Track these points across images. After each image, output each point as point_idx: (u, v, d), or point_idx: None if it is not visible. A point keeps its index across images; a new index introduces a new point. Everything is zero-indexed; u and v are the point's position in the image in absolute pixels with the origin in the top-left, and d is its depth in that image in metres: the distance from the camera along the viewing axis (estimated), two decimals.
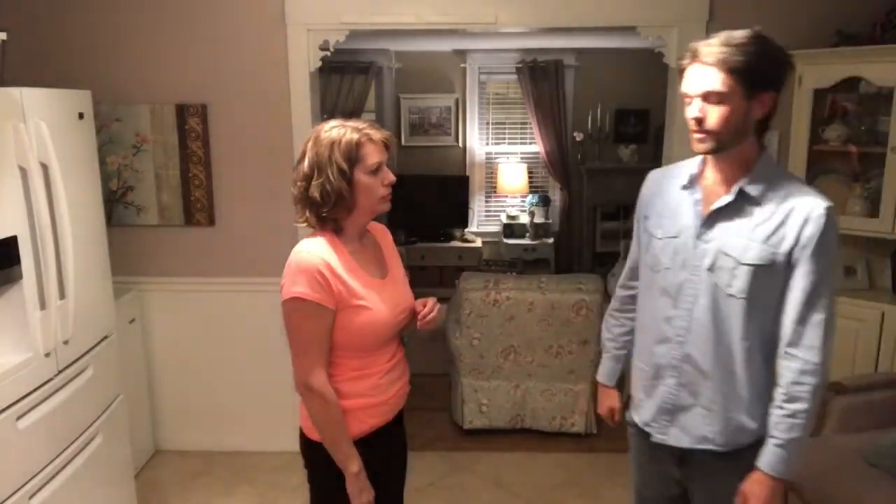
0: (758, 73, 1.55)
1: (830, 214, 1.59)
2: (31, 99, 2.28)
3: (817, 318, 1.59)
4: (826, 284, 1.60)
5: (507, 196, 6.85)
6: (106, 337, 2.79)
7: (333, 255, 1.73)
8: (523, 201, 6.83)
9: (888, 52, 2.89)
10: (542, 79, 6.41)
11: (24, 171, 2.21)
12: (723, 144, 1.61)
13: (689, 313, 1.70)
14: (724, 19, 3.19)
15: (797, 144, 3.23)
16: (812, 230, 1.57)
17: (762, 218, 1.62)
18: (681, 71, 1.63)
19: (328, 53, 3.37)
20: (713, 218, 1.67)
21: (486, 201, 6.98)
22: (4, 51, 2.73)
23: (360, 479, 1.76)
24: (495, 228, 6.90)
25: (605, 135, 6.54)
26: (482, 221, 6.98)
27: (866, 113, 3.15)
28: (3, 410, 2.11)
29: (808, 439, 1.63)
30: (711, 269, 1.66)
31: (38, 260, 2.29)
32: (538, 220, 6.66)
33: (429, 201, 6.52)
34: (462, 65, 6.64)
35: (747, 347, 1.65)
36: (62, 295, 2.39)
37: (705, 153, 1.66)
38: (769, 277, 1.61)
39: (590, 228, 6.67)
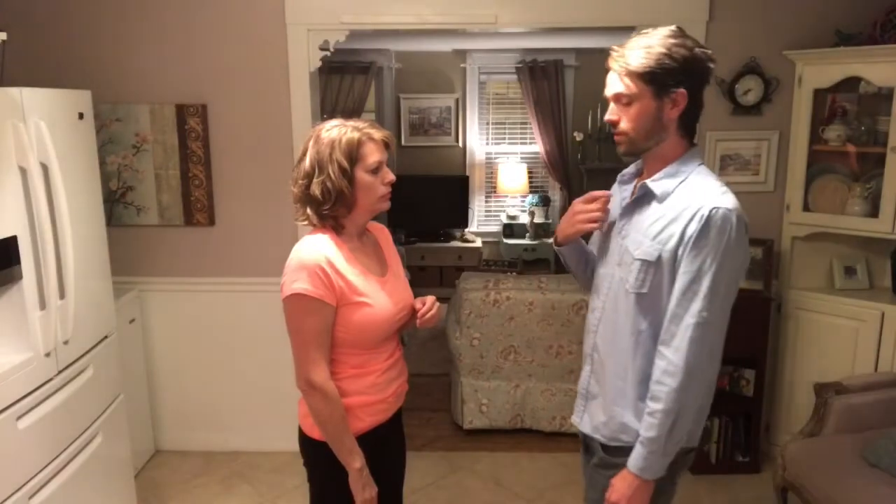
0: (663, 72, 1.56)
1: (719, 215, 1.53)
2: (31, 99, 2.28)
3: (689, 319, 1.54)
4: (704, 286, 1.53)
5: (507, 196, 6.85)
6: (106, 337, 2.79)
7: (335, 252, 1.74)
8: (523, 201, 6.83)
9: (888, 52, 2.89)
10: (542, 79, 6.41)
11: (24, 171, 2.21)
12: (638, 145, 1.65)
13: (603, 305, 1.75)
14: (724, 19, 3.19)
15: (797, 144, 3.24)
16: (693, 228, 1.54)
17: (659, 215, 1.62)
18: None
19: (328, 53, 3.37)
20: (627, 214, 1.71)
21: (486, 201, 6.98)
22: (4, 51, 2.73)
23: (363, 476, 1.76)
24: (495, 228, 6.90)
25: (605, 135, 6.52)
26: (482, 221, 6.98)
27: (866, 113, 3.14)
28: (3, 410, 2.11)
29: (668, 442, 1.58)
30: (619, 263, 1.70)
31: (38, 260, 2.29)
32: (538, 220, 6.66)
33: (429, 201, 6.52)
34: (462, 65, 6.64)
35: (634, 343, 1.66)
36: (62, 295, 2.39)
37: (624, 154, 1.69)
38: (657, 274, 1.60)
39: None
